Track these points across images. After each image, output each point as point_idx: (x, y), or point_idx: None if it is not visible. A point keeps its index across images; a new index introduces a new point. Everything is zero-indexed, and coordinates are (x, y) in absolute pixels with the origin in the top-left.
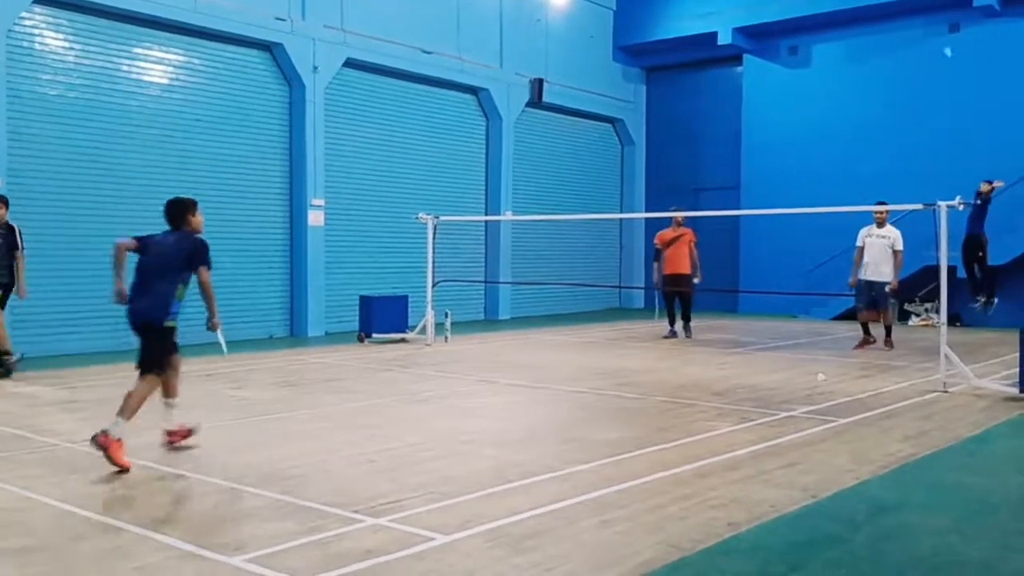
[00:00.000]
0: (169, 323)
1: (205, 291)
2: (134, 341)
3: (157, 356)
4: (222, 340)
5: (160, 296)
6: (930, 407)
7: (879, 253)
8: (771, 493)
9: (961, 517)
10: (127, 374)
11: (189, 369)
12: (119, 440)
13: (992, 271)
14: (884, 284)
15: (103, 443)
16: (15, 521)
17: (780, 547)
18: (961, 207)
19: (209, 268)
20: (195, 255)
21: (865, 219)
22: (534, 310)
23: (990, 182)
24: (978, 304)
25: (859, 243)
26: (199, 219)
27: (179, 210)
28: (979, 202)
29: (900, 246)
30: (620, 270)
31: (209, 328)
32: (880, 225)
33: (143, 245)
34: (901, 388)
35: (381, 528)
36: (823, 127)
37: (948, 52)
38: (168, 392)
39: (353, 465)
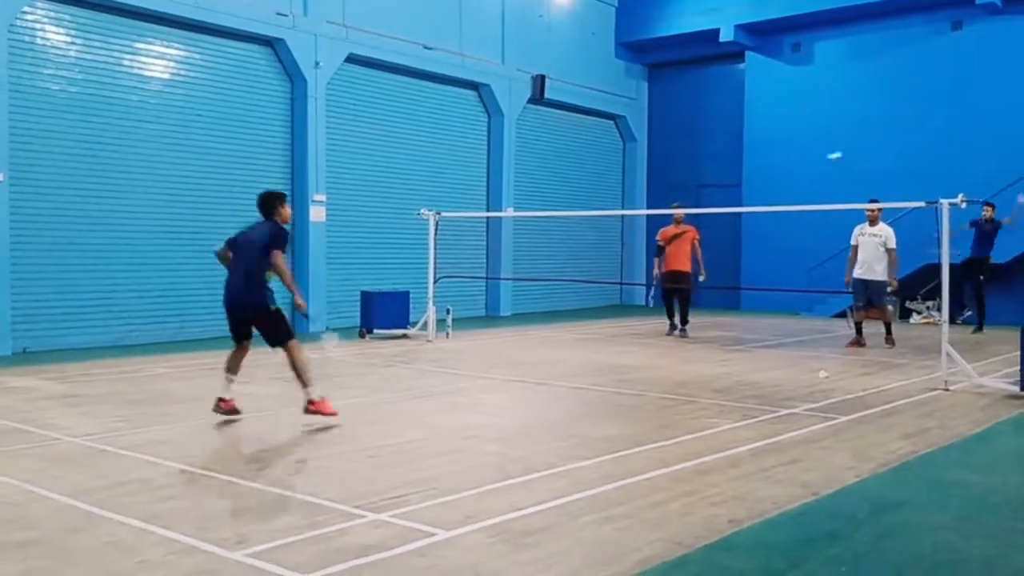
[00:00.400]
0: (273, 307)
1: (278, 273)
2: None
3: (277, 328)
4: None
5: (252, 283)
6: (931, 405)
7: (872, 252)
8: (772, 490)
9: (962, 515)
10: (126, 369)
11: (194, 363)
12: (320, 399)
13: (983, 300)
14: (879, 282)
15: (313, 410)
16: (16, 515)
17: (781, 544)
18: (963, 205)
19: (282, 251)
20: (273, 239)
21: (861, 216)
22: (535, 306)
23: (991, 205)
24: (961, 316)
25: (853, 241)
26: (286, 211)
27: (267, 201)
28: (988, 228)
29: (893, 244)
30: (621, 267)
31: (296, 310)
32: (872, 223)
33: (233, 243)
34: (902, 386)
35: (382, 523)
36: (825, 124)
37: (834, 157)
38: (233, 367)
39: (354, 460)
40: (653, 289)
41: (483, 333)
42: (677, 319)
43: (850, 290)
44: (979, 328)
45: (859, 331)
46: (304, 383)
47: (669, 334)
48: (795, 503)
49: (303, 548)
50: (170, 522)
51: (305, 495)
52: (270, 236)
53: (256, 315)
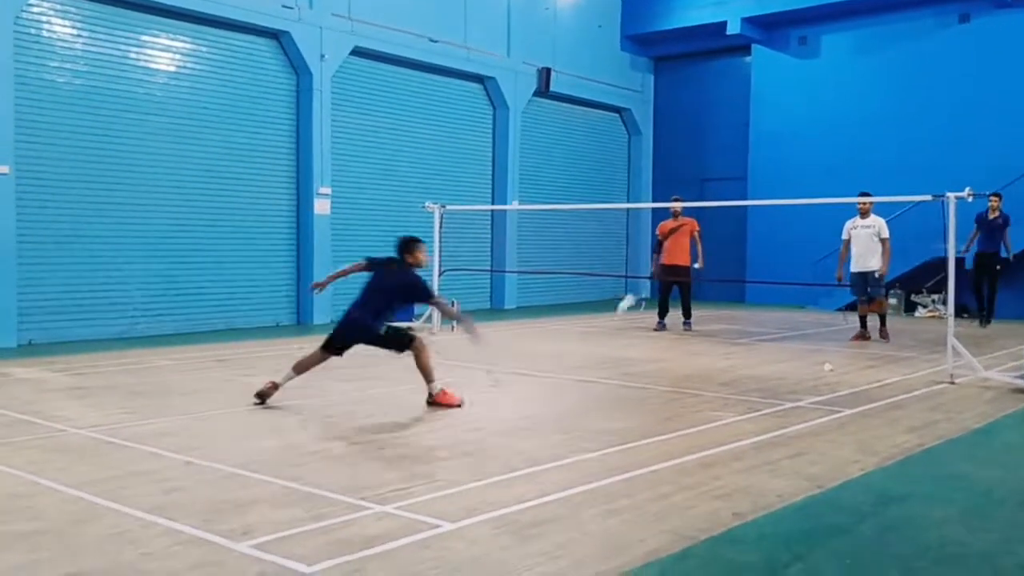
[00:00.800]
0: (382, 330)
1: (442, 311)
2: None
3: (398, 339)
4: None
5: (376, 315)
6: (937, 398)
7: (866, 244)
8: (777, 483)
9: (967, 509)
10: (132, 361)
11: (200, 355)
12: (441, 391)
13: (994, 296)
14: (873, 272)
15: (437, 402)
16: (23, 506)
17: (785, 537)
18: (970, 198)
19: (432, 296)
20: (413, 291)
21: (878, 210)
22: (540, 299)
23: (998, 196)
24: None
25: (844, 236)
26: (420, 256)
27: (403, 246)
28: (1000, 221)
29: (886, 234)
30: (626, 260)
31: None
32: (864, 216)
33: (372, 266)
34: (908, 379)
35: (387, 515)
36: (832, 118)
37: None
38: (306, 364)
39: (360, 452)
40: (636, 298)
41: (488, 326)
42: (673, 313)
43: (846, 283)
44: (987, 322)
45: (863, 324)
46: (428, 380)
47: (657, 330)
48: (799, 496)
49: (308, 539)
50: (175, 513)
51: (310, 487)
52: (411, 287)
53: (367, 333)
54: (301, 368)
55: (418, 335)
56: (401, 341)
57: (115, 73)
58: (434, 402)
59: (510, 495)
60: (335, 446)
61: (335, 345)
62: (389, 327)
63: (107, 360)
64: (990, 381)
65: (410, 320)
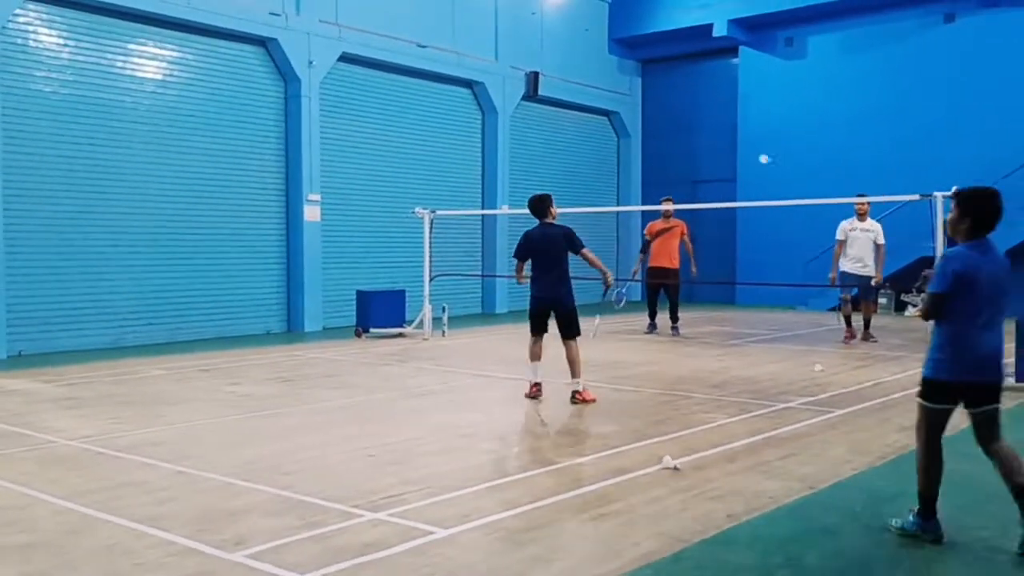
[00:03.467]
0: (574, 304)
1: (592, 263)
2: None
3: (574, 327)
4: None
5: (560, 280)
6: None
7: (864, 247)
8: (769, 484)
9: (960, 506)
10: (123, 371)
11: (190, 365)
12: (585, 390)
13: None
14: (871, 278)
15: (580, 399)
16: (15, 518)
17: (779, 538)
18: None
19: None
20: (572, 241)
21: (850, 210)
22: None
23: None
24: None
25: (840, 236)
26: (555, 210)
27: (540, 205)
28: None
29: (883, 239)
30: (617, 263)
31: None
32: (862, 218)
33: (526, 247)
34: (898, 378)
35: (381, 522)
36: (819, 118)
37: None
38: (572, 366)
39: (352, 460)
40: (615, 292)
41: (479, 331)
42: (661, 316)
43: (838, 284)
44: None
45: (849, 323)
46: (574, 374)
47: (648, 332)
48: (792, 497)
49: (301, 548)
50: (168, 524)
51: (303, 495)
52: (568, 237)
53: (559, 308)
54: (535, 356)
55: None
56: (574, 326)
57: (102, 82)
58: (577, 400)
59: (503, 500)
60: (326, 453)
61: (537, 326)
62: (576, 307)
63: (98, 370)
64: None
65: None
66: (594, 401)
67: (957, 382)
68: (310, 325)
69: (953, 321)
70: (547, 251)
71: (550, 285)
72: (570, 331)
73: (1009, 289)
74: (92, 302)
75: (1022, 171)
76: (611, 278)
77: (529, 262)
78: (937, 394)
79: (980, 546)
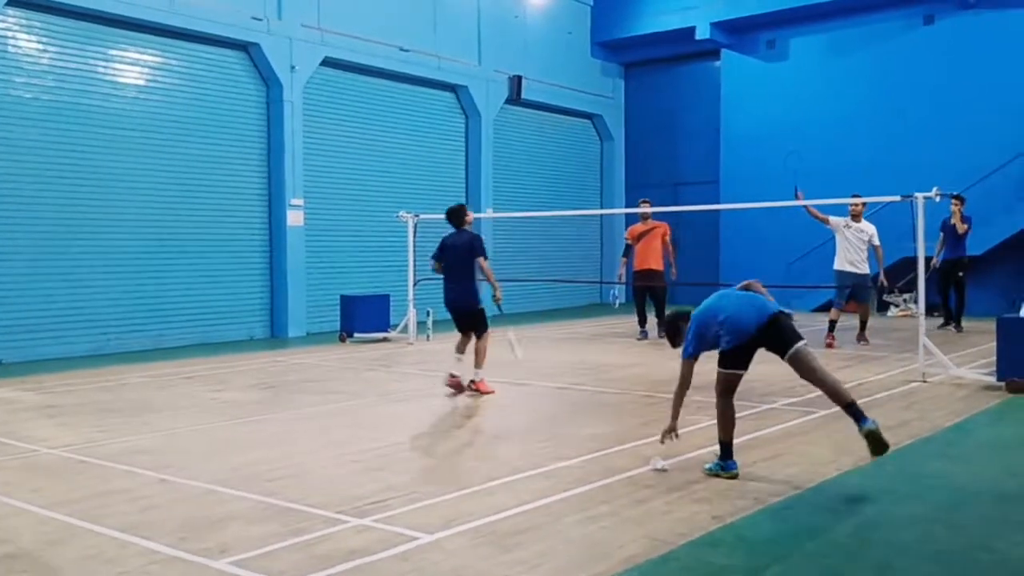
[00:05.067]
0: (480, 306)
1: (485, 273)
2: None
3: (483, 326)
4: (514, 344)
5: (469, 288)
6: (910, 397)
7: (858, 248)
8: (754, 485)
9: (943, 506)
10: (105, 378)
11: (173, 372)
12: (482, 380)
13: (962, 299)
14: (865, 276)
15: (475, 388)
16: None
17: (764, 539)
18: (938, 198)
19: (486, 257)
20: (474, 248)
21: (843, 212)
22: (516, 307)
23: (959, 199)
24: (951, 329)
25: (834, 223)
26: (471, 218)
27: (458, 215)
28: (966, 227)
29: (878, 240)
30: (601, 265)
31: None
32: (856, 218)
33: (440, 251)
34: (881, 379)
35: (365, 528)
36: (802, 120)
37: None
38: (476, 356)
39: (336, 466)
40: (615, 289)
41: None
42: (650, 325)
43: (834, 284)
44: (958, 326)
45: (832, 328)
46: (477, 363)
47: (640, 339)
48: (777, 497)
49: (286, 555)
50: (151, 532)
51: (287, 501)
52: (472, 244)
53: (464, 312)
54: (458, 350)
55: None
56: (480, 326)
57: (83, 88)
58: (472, 388)
59: (489, 504)
60: (309, 460)
61: (457, 325)
62: (483, 308)
63: (80, 378)
64: (962, 379)
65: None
66: (491, 393)
67: None
68: (294, 330)
69: None
70: (455, 256)
71: (455, 288)
72: (478, 331)
73: None
74: (74, 309)
75: (1001, 172)
76: (500, 293)
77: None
78: None
79: (962, 548)
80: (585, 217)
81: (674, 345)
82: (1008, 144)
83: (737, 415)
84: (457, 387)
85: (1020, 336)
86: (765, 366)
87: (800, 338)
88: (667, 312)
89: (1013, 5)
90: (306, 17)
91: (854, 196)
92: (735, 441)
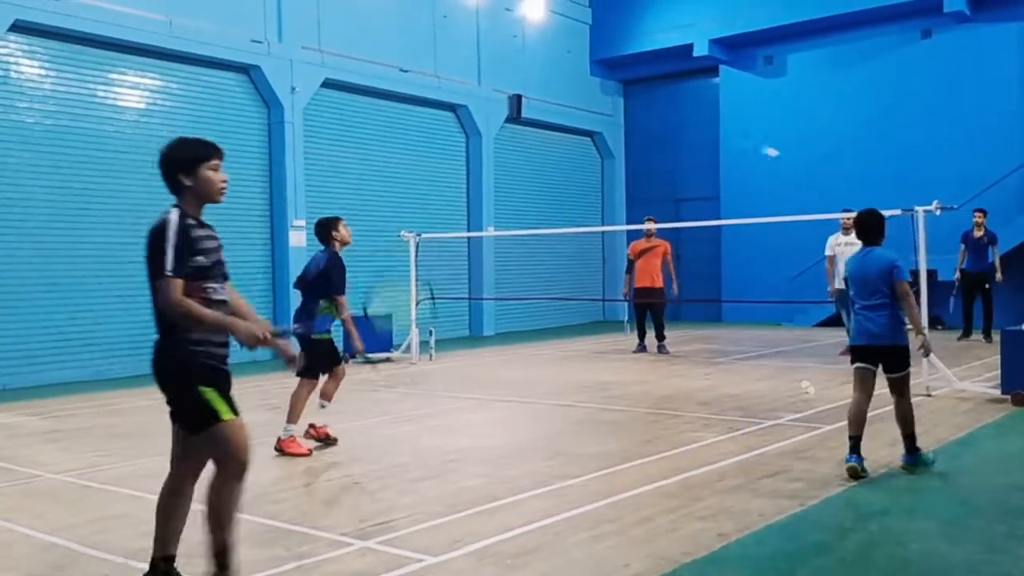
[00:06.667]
0: (315, 336)
1: (344, 318)
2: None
3: (308, 363)
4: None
5: (306, 313)
6: (915, 411)
7: None
8: (759, 502)
9: (948, 520)
10: (108, 403)
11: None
12: (291, 438)
13: (969, 311)
14: None
15: (280, 447)
16: None
17: (769, 556)
18: (938, 212)
19: (341, 293)
20: (329, 276)
21: (837, 225)
22: (518, 325)
23: (982, 212)
24: (975, 339)
25: (828, 252)
26: (342, 233)
27: (321, 228)
28: (986, 240)
29: None
30: (603, 283)
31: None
32: (847, 232)
33: (301, 274)
34: (884, 393)
35: (369, 551)
36: (800, 135)
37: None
38: (324, 395)
39: (339, 487)
40: (626, 315)
41: (467, 354)
42: (650, 341)
43: (833, 300)
44: (987, 337)
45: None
46: (289, 417)
47: (637, 352)
48: (782, 514)
49: None
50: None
51: (290, 524)
52: (325, 270)
53: (300, 340)
54: (323, 393)
55: (330, 376)
56: (306, 367)
57: (85, 112)
58: (283, 449)
59: (493, 525)
60: (312, 481)
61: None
62: (329, 338)
63: (82, 402)
64: (965, 392)
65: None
66: (306, 455)
67: None
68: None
69: None
70: (305, 279)
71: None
72: (303, 368)
73: None
74: (77, 334)
75: (1000, 185)
76: (360, 344)
77: None
78: None
79: (966, 563)
80: (586, 235)
81: None
82: (1007, 156)
83: (741, 431)
84: (324, 436)
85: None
86: (766, 383)
87: None
88: None
89: (1010, 18)
90: (306, 39)
91: (845, 211)
92: (736, 459)
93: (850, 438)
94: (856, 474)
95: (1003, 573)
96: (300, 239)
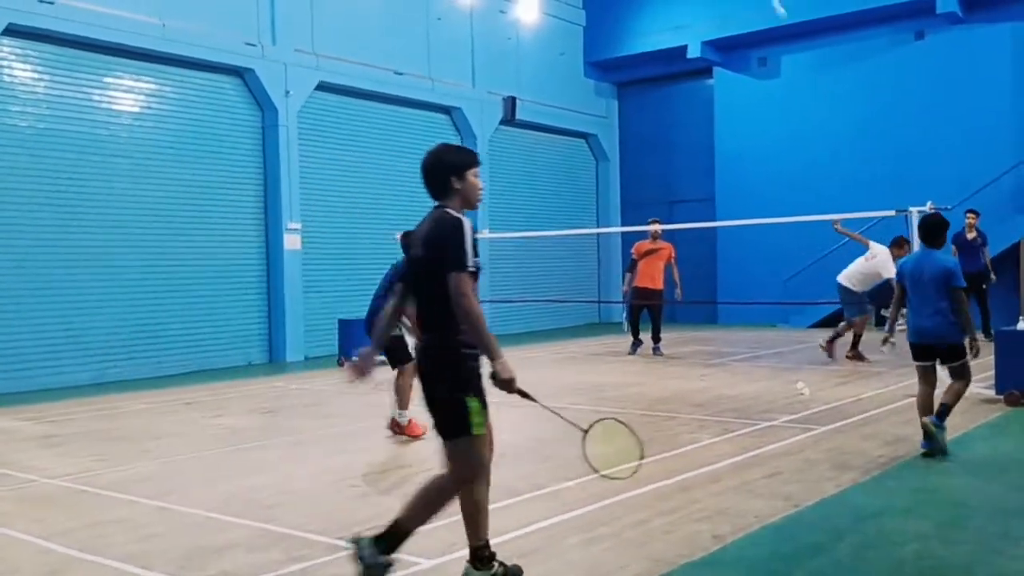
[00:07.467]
0: (395, 332)
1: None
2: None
3: (398, 356)
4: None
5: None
6: (908, 412)
7: (857, 263)
8: (754, 504)
9: (942, 521)
10: (104, 407)
11: (172, 399)
12: (409, 422)
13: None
14: (844, 291)
15: (394, 430)
16: None
17: (765, 558)
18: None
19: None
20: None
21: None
22: (513, 327)
23: (975, 213)
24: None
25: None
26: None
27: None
28: (979, 241)
29: (887, 273)
30: (599, 285)
31: None
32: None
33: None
34: (880, 394)
35: None
36: (795, 136)
37: (781, 11)
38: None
39: (336, 491)
40: (624, 316)
41: None
42: (644, 338)
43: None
44: (987, 335)
45: (855, 343)
46: (399, 404)
47: (632, 353)
48: (777, 516)
49: None
50: (151, 561)
51: (287, 528)
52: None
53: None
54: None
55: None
56: (395, 360)
57: (78, 116)
58: (397, 429)
59: (490, 528)
60: (308, 485)
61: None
62: (400, 335)
63: (78, 407)
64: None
65: (383, 354)
66: (422, 435)
67: None
68: (292, 355)
69: None
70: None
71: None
72: (394, 360)
73: None
74: (71, 338)
75: (994, 185)
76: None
77: None
78: None
79: (961, 563)
80: (581, 236)
81: None
82: (1001, 157)
83: (736, 432)
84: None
85: (1018, 349)
86: (761, 384)
87: None
88: None
89: (1002, 19)
90: (300, 42)
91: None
92: (732, 460)
93: (923, 426)
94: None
95: (997, 573)
96: (295, 242)
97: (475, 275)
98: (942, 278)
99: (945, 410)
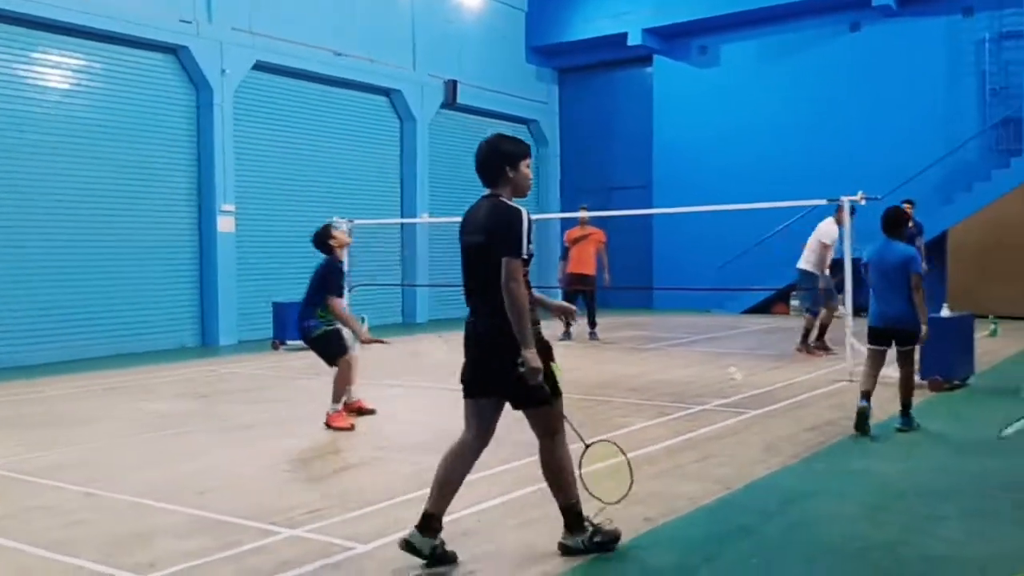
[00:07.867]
0: (316, 333)
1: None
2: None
3: (328, 353)
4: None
5: (306, 315)
6: (838, 396)
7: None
8: (687, 487)
9: (869, 503)
10: (19, 391)
11: (96, 383)
12: (337, 412)
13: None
14: (808, 275)
15: (328, 423)
16: None
17: (696, 539)
18: (863, 202)
19: (338, 295)
20: (324, 281)
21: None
22: (452, 312)
23: (910, 203)
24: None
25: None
26: (338, 237)
27: (317, 240)
28: (914, 230)
29: (826, 240)
30: (538, 270)
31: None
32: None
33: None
34: (810, 379)
35: (298, 539)
36: (732, 125)
37: None
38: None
39: (269, 476)
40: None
41: (398, 340)
42: (575, 328)
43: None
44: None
45: (821, 333)
46: (334, 398)
47: (563, 339)
48: (709, 498)
49: (217, 569)
50: (77, 548)
51: (217, 514)
52: (321, 276)
53: (305, 339)
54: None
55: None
56: (328, 356)
57: (3, 92)
58: (328, 423)
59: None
60: (242, 470)
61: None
62: (324, 332)
63: (2, 391)
64: (887, 378)
65: None
66: (350, 428)
67: None
68: (225, 339)
69: None
70: (311, 279)
71: (300, 314)
72: (326, 357)
73: None
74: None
75: (923, 176)
76: (364, 334)
77: None
78: None
79: (886, 544)
80: None
81: None
82: (930, 148)
83: (670, 416)
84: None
85: (941, 336)
86: (695, 368)
87: None
88: None
89: (934, 13)
90: (237, 20)
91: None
92: (665, 444)
93: (862, 392)
94: (863, 414)
95: (921, 553)
96: (229, 224)
97: (527, 262)
98: (902, 265)
99: (908, 404)
